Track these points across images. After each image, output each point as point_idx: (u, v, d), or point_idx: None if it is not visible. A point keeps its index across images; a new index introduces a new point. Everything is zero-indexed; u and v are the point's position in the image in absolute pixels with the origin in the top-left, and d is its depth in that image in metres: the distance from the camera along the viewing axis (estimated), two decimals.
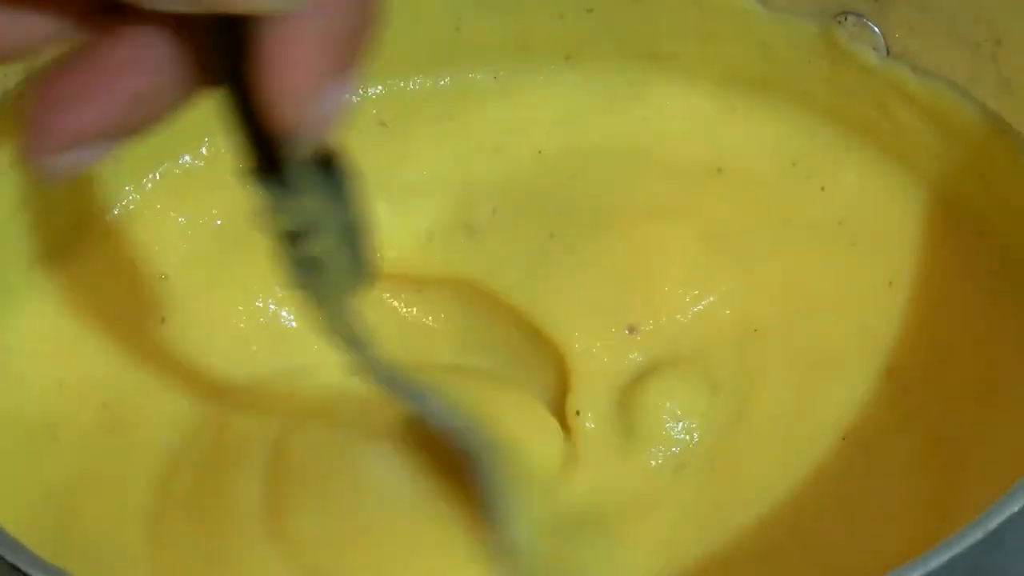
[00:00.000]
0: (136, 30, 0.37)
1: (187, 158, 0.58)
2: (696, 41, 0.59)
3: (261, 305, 0.57)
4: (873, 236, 0.57)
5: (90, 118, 0.37)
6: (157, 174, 0.58)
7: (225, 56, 0.37)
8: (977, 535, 0.39)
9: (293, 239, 0.42)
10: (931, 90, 0.55)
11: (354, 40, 0.37)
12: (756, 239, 0.57)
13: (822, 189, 0.58)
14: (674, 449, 0.53)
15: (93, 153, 0.38)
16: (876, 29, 0.56)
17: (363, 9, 0.37)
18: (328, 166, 0.40)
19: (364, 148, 0.44)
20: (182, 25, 0.37)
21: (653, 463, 0.53)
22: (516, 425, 0.52)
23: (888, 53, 0.56)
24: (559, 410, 0.55)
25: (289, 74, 0.36)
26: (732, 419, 0.54)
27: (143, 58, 0.37)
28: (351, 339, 0.45)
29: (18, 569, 0.40)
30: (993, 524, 0.39)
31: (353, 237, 0.43)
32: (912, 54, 0.56)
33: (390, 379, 0.47)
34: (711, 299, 0.56)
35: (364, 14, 0.37)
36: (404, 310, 0.58)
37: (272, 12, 0.35)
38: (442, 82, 0.60)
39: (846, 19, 0.56)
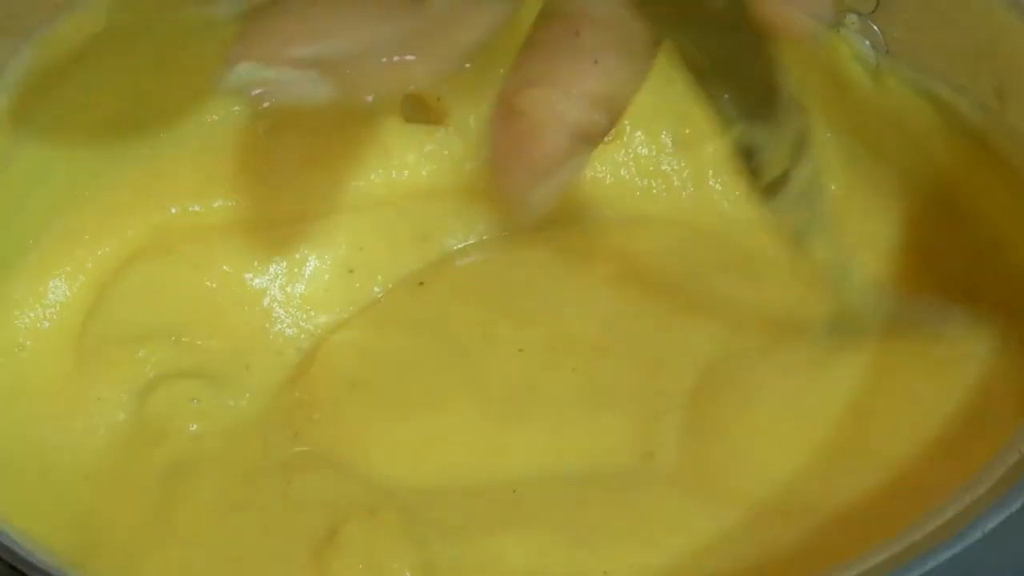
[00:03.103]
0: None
1: None
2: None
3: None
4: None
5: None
6: None
7: None
8: (976, 535, 0.39)
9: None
10: (927, 89, 0.55)
11: None
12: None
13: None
14: None
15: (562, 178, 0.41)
16: (876, 27, 0.56)
17: None
18: None
19: None
20: None
21: None
22: None
23: (887, 52, 0.56)
24: None
25: None
26: None
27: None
28: None
29: (15, 569, 0.40)
30: (991, 524, 0.39)
31: None
32: (910, 53, 0.56)
33: None
34: None
35: None
36: None
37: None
38: None
39: (845, 17, 0.56)
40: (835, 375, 0.54)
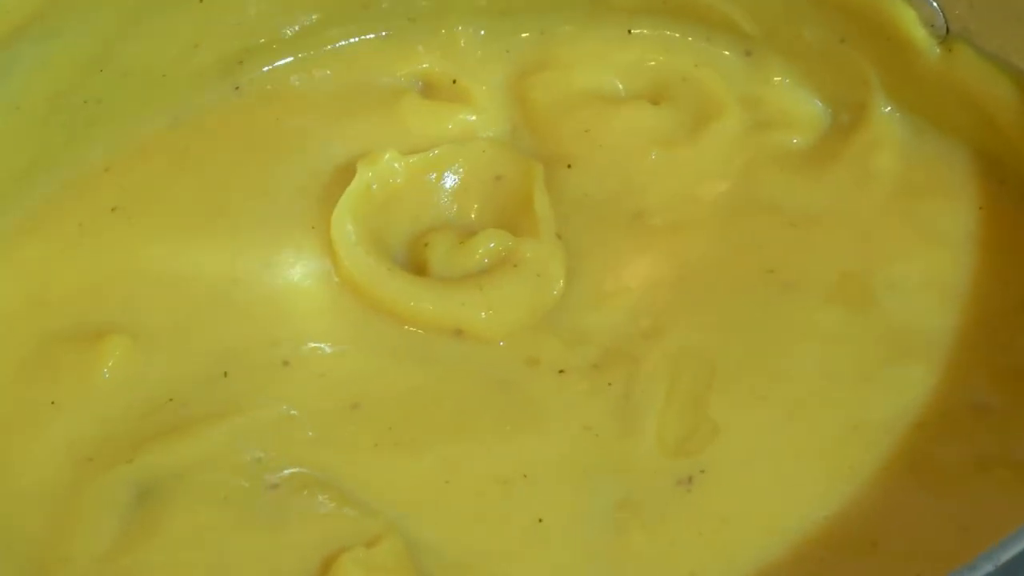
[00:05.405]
0: None
1: None
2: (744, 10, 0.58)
3: None
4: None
5: None
6: None
7: None
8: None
9: None
10: (1004, 57, 0.53)
11: None
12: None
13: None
14: None
15: None
16: (935, 4, 0.55)
17: None
18: None
19: None
20: None
21: None
22: None
23: (948, 31, 0.55)
24: None
25: None
26: None
27: None
28: None
29: None
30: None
31: None
32: (971, 33, 0.54)
33: None
34: None
35: None
36: None
37: None
38: None
39: None
40: (895, 388, 0.51)
